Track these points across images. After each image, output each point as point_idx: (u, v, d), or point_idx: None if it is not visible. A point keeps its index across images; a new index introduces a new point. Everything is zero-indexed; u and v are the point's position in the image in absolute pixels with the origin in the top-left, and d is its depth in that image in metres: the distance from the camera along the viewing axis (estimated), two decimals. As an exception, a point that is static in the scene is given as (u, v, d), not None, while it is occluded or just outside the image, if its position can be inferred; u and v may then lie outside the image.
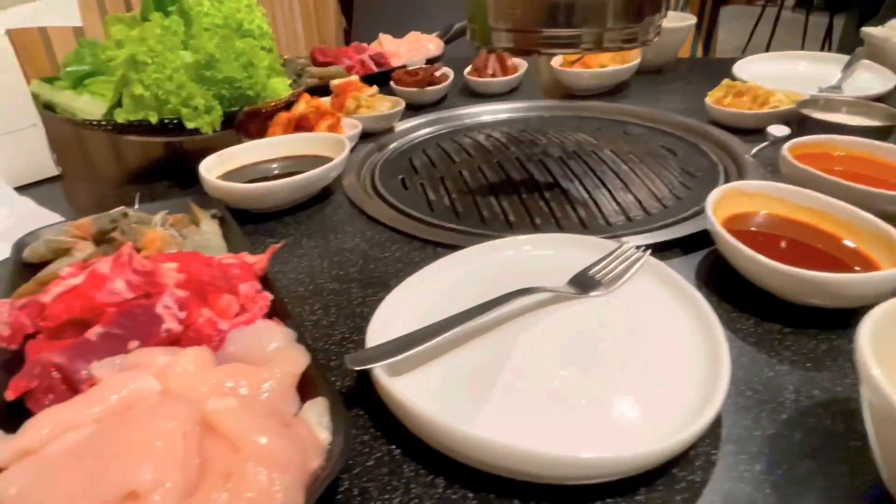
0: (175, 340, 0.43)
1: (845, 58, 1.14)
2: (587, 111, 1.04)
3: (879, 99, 0.94)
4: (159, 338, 0.42)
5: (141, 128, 0.77)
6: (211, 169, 0.72)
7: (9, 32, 0.79)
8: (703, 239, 0.60)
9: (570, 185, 0.75)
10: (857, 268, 0.52)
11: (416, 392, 0.41)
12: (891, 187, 0.60)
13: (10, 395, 0.39)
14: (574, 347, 0.46)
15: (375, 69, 1.23)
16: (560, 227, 0.67)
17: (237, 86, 0.77)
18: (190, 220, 0.62)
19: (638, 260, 0.53)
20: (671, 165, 0.80)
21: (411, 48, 1.33)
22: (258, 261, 0.51)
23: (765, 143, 0.80)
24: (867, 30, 1.17)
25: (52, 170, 0.86)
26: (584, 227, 0.67)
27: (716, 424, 0.40)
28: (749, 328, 0.50)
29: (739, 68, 1.12)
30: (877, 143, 0.69)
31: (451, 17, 1.44)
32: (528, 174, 0.79)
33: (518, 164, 0.81)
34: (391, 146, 0.94)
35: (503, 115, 1.05)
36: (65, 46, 1.20)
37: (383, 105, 0.97)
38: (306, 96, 0.90)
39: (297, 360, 0.41)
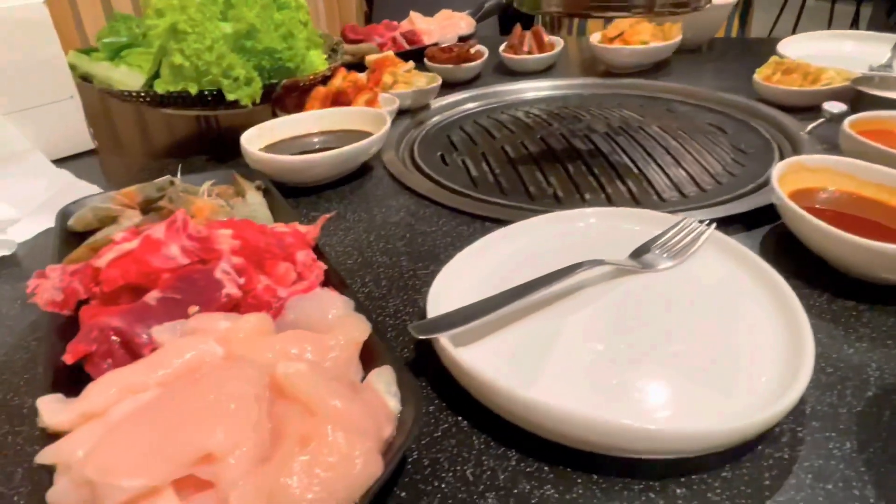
0: (234, 307, 0.42)
1: (892, 37, 1.10)
2: (628, 88, 1.01)
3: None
4: (219, 303, 0.41)
5: (179, 100, 0.76)
6: (252, 141, 0.71)
7: (46, 2, 0.78)
8: (764, 215, 0.58)
9: (618, 161, 0.73)
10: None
11: (485, 363, 0.39)
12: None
13: (68, 359, 0.38)
14: (644, 321, 0.44)
15: (407, 46, 1.21)
16: (611, 203, 0.65)
17: (277, 57, 0.76)
18: (235, 191, 0.61)
19: (702, 234, 0.51)
20: (721, 142, 0.78)
21: (443, 26, 1.31)
22: (310, 230, 0.50)
23: (820, 120, 0.77)
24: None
25: (88, 143, 0.85)
26: (637, 203, 0.65)
27: (798, 401, 0.38)
28: (822, 305, 0.47)
29: (784, 47, 1.08)
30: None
31: (466, 4, 1.41)
32: (573, 149, 0.76)
33: (563, 140, 0.79)
34: (428, 122, 0.92)
35: (541, 93, 1.02)
36: (95, 20, 1.19)
37: (420, 81, 0.95)
38: (343, 71, 0.88)
39: (360, 327, 0.40)
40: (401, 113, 0.90)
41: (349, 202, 0.68)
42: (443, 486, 0.34)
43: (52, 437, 0.33)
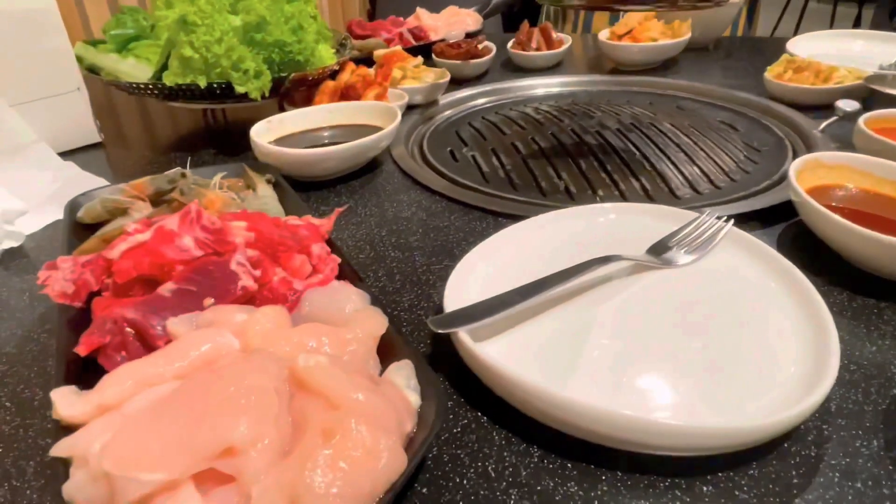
0: (249, 299, 0.41)
1: (902, 36, 1.10)
2: (637, 86, 1.01)
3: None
4: (235, 295, 0.40)
5: (187, 93, 0.75)
6: (261, 135, 0.70)
7: (53, -7, 0.77)
8: (781, 212, 0.58)
9: (631, 157, 0.72)
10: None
11: (506, 358, 0.39)
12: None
13: (81, 351, 0.37)
14: (664, 317, 0.43)
15: (414, 42, 1.20)
16: (624, 199, 0.64)
17: (287, 50, 0.75)
18: (245, 184, 0.61)
19: (721, 230, 0.51)
20: (734, 139, 0.77)
21: (449, 22, 1.30)
22: (324, 223, 0.49)
23: (833, 118, 0.76)
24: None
25: (94, 136, 0.85)
26: (650, 199, 0.64)
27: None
28: (843, 302, 0.47)
29: (794, 45, 1.08)
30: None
31: (470, 3, 1.40)
32: (585, 145, 0.76)
33: (574, 136, 0.79)
34: (437, 118, 0.91)
35: (550, 89, 1.01)
36: (99, 13, 1.18)
37: (429, 76, 0.94)
38: (352, 65, 0.88)
39: (378, 321, 0.39)
40: (409, 108, 0.90)
41: (360, 197, 0.67)
42: (464, 482, 0.34)
43: (65, 429, 0.32)
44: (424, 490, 0.33)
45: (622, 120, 0.83)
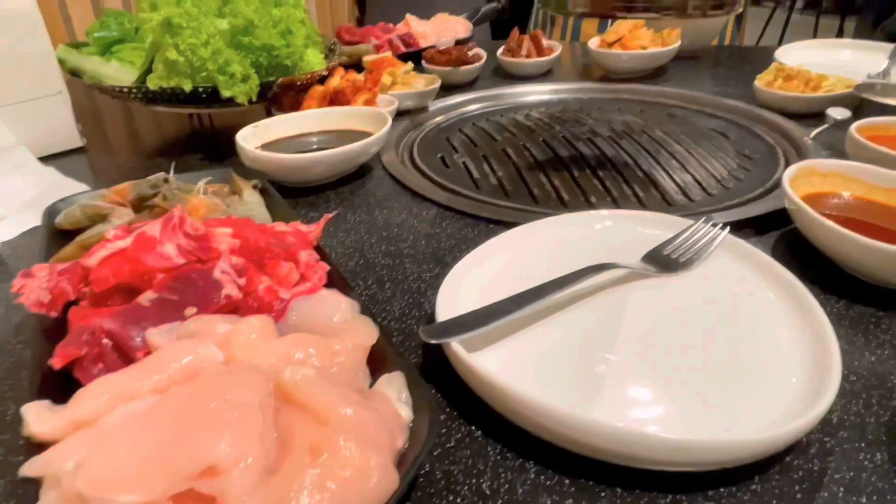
0: (234, 309, 0.40)
1: (887, 46, 1.11)
2: (627, 94, 1.00)
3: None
4: (218, 305, 0.38)
5: (172, 96, 0.74)
6: (247, 139, 0.69)
7: (35, -5, 0.75)
8: (775, 220, 0.57)
9: (623, 164, 0.72)
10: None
11: (501, 369, 0.37)
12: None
13: (56, 363, 0.36)
14: (660, 326, 0.42)
15: (404, 49, 1.19)
16: (617, 206, 0.64)
17: (275, 54, 0.73)
18: (231, 190, 0.59)
19: (716, 237, 0.50)
20: (725, 147, 0.77)
21: (439, 29, 1.29)
22: (312, 229, 0.48)
23: (825, 126, 0.76)
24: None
25: (76, 140, 0.83)
26: (643, 207, 0.63)
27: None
28: (840, 311, 0.46)
29: (783, 54, 1.08)
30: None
31: (460, 10, 1.40)
32: (577, 152, 0.75)
33: (566, 143, 0.78)
34: (427, 124, 0.90)
35: (540, 96, 1.01)
36: (83, 16, 1.16)
37: (419, 82, 0.93)
38: (341, 70, 0.87)
39: (368, 331, 0.38)
40: (399, 115, 0.89)
41: (349, 203, 0.66)
42: (458, 500, 0.32)
43: (37, 447, 0.31)
44: (416, 509, 0.32)
45: (614, 127, 0.83)
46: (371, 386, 0.36)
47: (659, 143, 0.77)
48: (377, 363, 0.37)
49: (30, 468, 0.29)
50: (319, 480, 0.26)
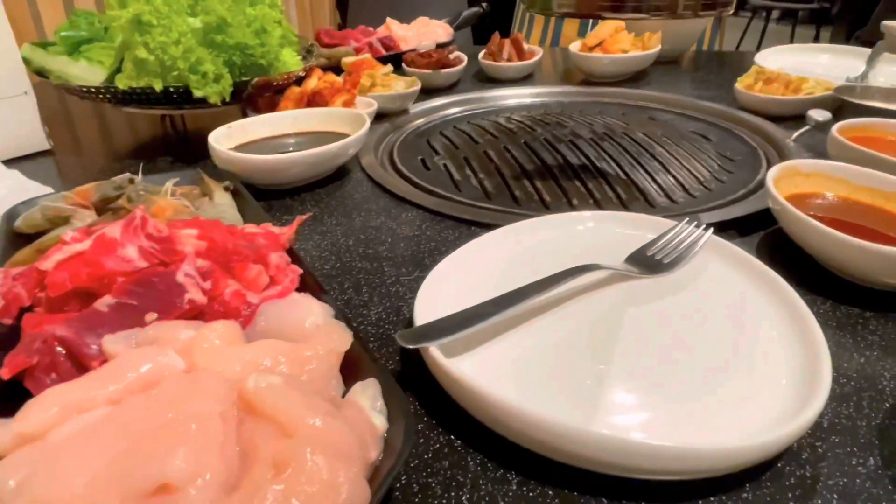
0: (198, 314, 0.37)
1: (864, 51, 1.12)
2: (608, 97, 1.00)
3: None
4: (181, 310, 0.36)
5: (142, 97, 0.71)
6: (220, 140, 0.67)
7: (-2, -8, 0.72)
8: (758, 220, 0.57)
9: (606, 166, 0.71)
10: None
11: (481, 375, 0.36)
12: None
13: (4, 374, 0.33)
14: (646, 329, 0.41)
15: (384, 52, 1.18)
16: (600, 207, 0.63)
17: (249, 53, 0.71)
18: (201, 191, 0.57)
19: (700, 238, 0.49)
20: (707, 149, 0.76)
21: (420, 33, 1.28)
22: (284, 231, 0.46)
23: (806, 128, 0.76)
24: (888, 24, 1.15)
25: (43, 143, 0.80)
26: (626, 208, 0.62)
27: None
28: (826, 312, 0.45)
29: (763, 58, 1.09)
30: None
31: (442, 15, 1.39)
32: (559, 155, 0.74)
33: (547, 145, 0.77)
34: (407, 127, 0.89)
35: (521, 100, 1.00)
36: (54, 16, 1.13)
37: (399, 84, 0.92)
38: (319, 71, 0.85)
39: (341, 337, 0.36)
40: (379, 117, 0.87)
41: (326, 206, 0.64)
42: (435, 514, 0.30)
43: (-20, 464, 0.28)
44: (391, 524, 0.30)
45: (595, 129, 0.82)
46: (344, 394, 0.34)
47: (641, 146, 0.76)
48: (351, 370, 0.35)
49: (-32, 488, 0.27)
50: (283, 497, 0.24)
